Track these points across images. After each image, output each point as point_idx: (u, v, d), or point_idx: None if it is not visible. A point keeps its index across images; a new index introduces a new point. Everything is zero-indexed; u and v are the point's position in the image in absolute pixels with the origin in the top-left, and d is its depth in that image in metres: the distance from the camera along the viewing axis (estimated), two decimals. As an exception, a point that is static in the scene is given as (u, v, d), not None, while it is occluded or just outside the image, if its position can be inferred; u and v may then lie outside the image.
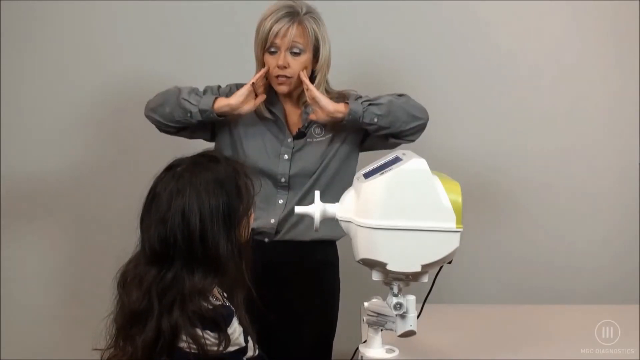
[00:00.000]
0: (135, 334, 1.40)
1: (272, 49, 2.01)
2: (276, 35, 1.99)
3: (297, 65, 2.01)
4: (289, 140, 2.09)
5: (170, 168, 1.49)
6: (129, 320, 1.42)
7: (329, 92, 2.09)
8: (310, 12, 2.03)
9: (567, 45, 2.68)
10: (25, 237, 2.74)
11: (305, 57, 2.02)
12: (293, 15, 2.00)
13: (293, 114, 2.12)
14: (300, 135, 2.09)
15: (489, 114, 2.70)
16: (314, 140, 2.10)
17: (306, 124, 2.09)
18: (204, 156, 1.53)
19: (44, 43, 2.67)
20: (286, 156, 2.08)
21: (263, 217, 2.06)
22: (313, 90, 2.00)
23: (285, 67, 2.00)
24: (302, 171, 2.08)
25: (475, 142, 2.71)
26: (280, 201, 2.09)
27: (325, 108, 1.99)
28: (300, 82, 2.04)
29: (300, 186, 2.08)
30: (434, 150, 2.48)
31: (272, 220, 2.07)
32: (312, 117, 2.04)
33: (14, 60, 2.67)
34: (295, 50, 2.00)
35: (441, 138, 2.69)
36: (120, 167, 2.71)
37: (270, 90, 2.10)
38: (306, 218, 2.00)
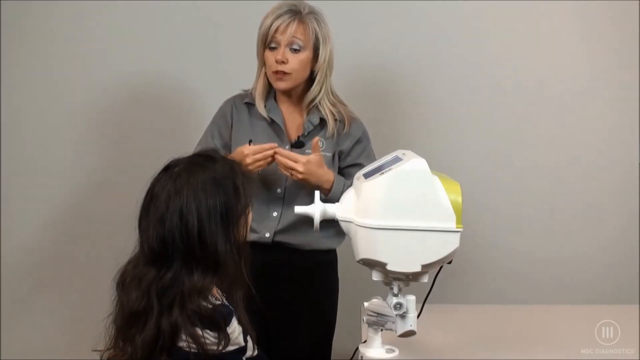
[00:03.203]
0: (134, 334, 1.40)
1: (273, 45, 2.01)
2: (276, 30, 1.99)
3: (295, 62, 2.00)
4: (287, 147, 2.06)
5: (167, 168, 1.49)
6: (128, 320, 1.42)
7: (334, 97, 2.09)
8: (312, 12, 2.03)
9: (567, 48, 2.68)
10: (24, 239, 2.73)
11: (305, 55, 2.02)
12: (295, 13, 2.01)
13: (292, 118, 2.11)
14: (299, 144, 2.06)
15: (488, 115, 2.70)
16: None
17: (305, 134, 2.07)
18: (201, 156, 1.53)
19: (43, 43, 2.67)
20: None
21: (258, 231, 2.04)
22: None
23: (283, 63, 2.00)
24: (299, 183, 2.03)
25: (476, 143, 2.70)
26: (275, 214, 2.07)
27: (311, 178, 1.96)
28: (299, 82, 2.04)
29: (295, 199, 2.02)
30: (434, 150, 2.49)
31: (267, 234, 2.06)
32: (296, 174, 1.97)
33: (13, 61, 2.66)
34: (295, 46, 2.00)
35: (442, 138, 2.69)
36: (118, 167, 2.71)
37: (269, 92, 2.10)
38: (303, 231, 2.01)
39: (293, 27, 1.99)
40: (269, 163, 1.97)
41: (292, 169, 1.95)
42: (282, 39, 1.99)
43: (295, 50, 2.00)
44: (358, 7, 2.64)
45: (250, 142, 1.98)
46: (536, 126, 2.70)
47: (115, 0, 2.64)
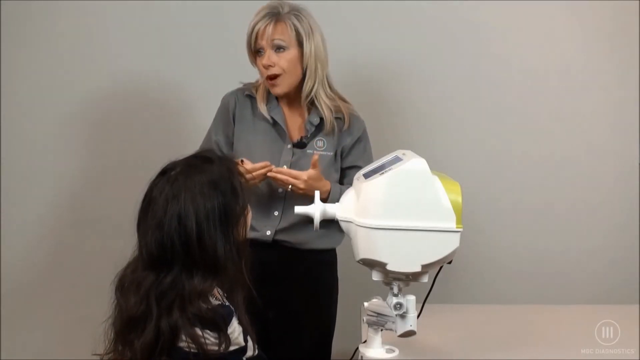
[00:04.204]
0: (133, 339, 1.39)
1: (259, 50, 2.02)
2: (257, 35, 2.01)
3: (282, 62, 2.01)
4: (288, 147, 2.07)
5: (164, 172, 1.47)
6: (127, 325, 1.41)
7: (332, 91, 2.09)
8: (292, 10, 2.03)
9: (567, 48, 2.68)
10: (24, 241, 2.73)
11: (291, 54, 2.02)
12: (273, 14, 2.01)
13: (293, 118, 2.11)
14: (301, 144, 2.07)
15: (488, 114, 2.70)
16: (315, 153, 2.06)
17: (307, 135, 2.08)
18: (197, 157, 1.52)
19: (43, 44, 2.66)
20: (285, 167, 2.04)
21: (259, 229, 2.05)
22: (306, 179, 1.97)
23: (270, 66, 2.01)
24: None
25: (475, 142, 2.70)
26: (276, 213, 2.07)
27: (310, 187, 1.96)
28: (293, 81, 2.04)
29: (296, 198, 2.00)
30: (434, 150, 2.49)
31: (268, 232, 2.06)
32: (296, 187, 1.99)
33: (13, 61, 2.66)
34: (279, 46, 2.01)
35: (442, 138, 2.68)
36: (116, 170, 2.70)
37: (269, 93, 2.10)
38: (303, 230, 2.01)
39: (270, 28, 2.00)
40: (262, 179, 1.98)
41: (294, 185, 1.97)
42: (264, 42, 2.01)
43: (280, 50, 2.01)
44: (358, 7, 2.63)
45: (242, 161, 1.96)
46: (536, 126, 2.70)
47: (115, 0, 2.64)
